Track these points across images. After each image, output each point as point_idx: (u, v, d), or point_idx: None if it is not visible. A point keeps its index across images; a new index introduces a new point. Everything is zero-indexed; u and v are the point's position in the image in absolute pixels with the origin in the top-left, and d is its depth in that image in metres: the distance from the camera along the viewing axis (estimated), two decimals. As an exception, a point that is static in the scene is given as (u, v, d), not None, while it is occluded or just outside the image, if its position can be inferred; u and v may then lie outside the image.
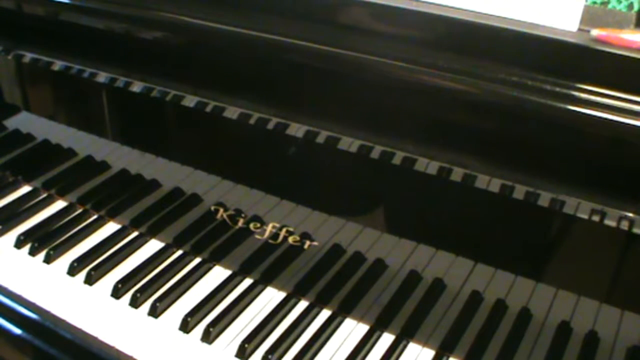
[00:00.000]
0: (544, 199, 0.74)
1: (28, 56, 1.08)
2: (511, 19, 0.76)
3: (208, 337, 0.89)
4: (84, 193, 1.13)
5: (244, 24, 0.83)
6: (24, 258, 1.02)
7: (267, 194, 0.96)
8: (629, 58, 0.66)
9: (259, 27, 0.82)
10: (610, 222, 0.71)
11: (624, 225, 0.70)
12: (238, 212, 1.00)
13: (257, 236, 0.99)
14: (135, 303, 0.94)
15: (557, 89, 0.68)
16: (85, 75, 1.02)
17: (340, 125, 0.84)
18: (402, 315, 0.90)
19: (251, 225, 0.99)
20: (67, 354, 0.91)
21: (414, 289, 0.90)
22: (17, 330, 0.94)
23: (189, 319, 0.90)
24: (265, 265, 0.98)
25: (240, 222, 1.00)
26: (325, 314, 0.94)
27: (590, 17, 0.76)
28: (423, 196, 0.85)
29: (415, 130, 0.80)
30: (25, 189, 1.17)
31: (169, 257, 1.03)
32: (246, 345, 0.87)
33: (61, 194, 1.15)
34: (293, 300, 0.95)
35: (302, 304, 0.95)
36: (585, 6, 0.74)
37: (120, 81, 0.99)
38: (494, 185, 0.76)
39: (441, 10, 0.77)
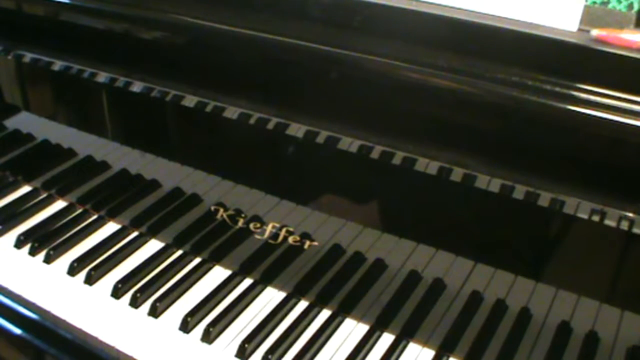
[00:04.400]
0: (544, 199, 0.74)
1: (28, 56, 1.08)
2: (511, 19, 0.76)
3: (208, 337, 0.89)
4: (84, 193, 1.13)
5: (244, 24, 0.83)
6: (24, 258, 1.02)
7: (267, 194, 0.96)
8: (629, 58, 0.66)
9: (259, 27, 0.82)
10: (610, 222, 0.71)
11: (624, 225, 0.70)
12: (238, 212, 1.00)
13: (257, 236, 0.99)
14: (135, 303, 0.94)
15: (557, 89, 0.68)
16: (85, 75, 1.02)
17: (340, 125, 0.84)
18: (402, 315, 0.90)
19: (251, 225, 0.99)
20: (67, 354, 0.91)
21: (414, 289, 0.90)
22: (17, 330, 0.94)
23: (189, 319, 0.90)
24: (265, 265, 0.98)
25: (240, 222, 1.00)
26: (325, 314, 0.94)
27: (590, 17, 0.76)
28: (423, 196, 0.85)
29: (415, 130, 0.80)
30: (25, 189, 1.17)
31: (169, 257, 1.03)
32: (246, 345, 0.87)
33: (61, 194, 1.15)
34: (293, 300, 0.95)
35: (302, 304, 0.95)
36: (585, 6, 0.74)
37: (120, 81, 0.99)
38: (494, 185, 0.76)
39: (441, 10, 0.77)
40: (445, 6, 0.79)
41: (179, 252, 1.04)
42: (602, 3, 0.81)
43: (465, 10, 0.78)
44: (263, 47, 0.84)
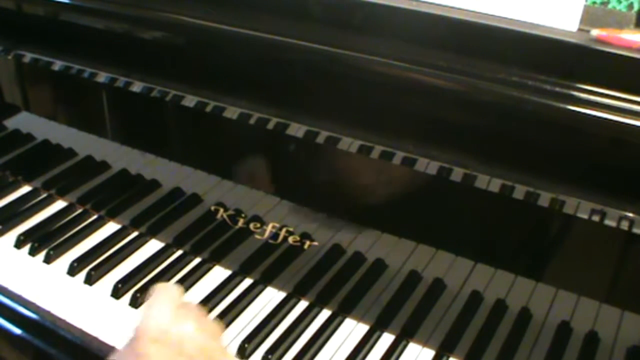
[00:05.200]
0: (544, 199, 0.74)
1: (28, 56, 1.08)
2: (511, 19, 0.76)
3: (208, 337, 0.88)
4: (84, 193, 1.13)
5: (244, 24, 0.83)
6: (24, 258, 1.02)
7: (267, 194, 0.96)
8: (629, 58, 0.66)
9: (259, 27, 0.82)
10: (610, 222, 0.71)
11: (624, 225, 0.70)
12: (238, 212, 1.00)
13: (257, 236, 0.99)
14: (135, 303, 0.94)
15: (557, 89, 0.68)
16: (85, 75, 1.02)
17: (340, 125, 0.84)
18: (402, 315, 0.90)
19: (251, 225, 0.99)
20: (67, 354, 0.91)
21: (414, 289, 0.90)
22: (17, 330, 0.94)
23: (189, 319, 0.90)
24: (265, 265, 0.98)
25: (240, 222, 1.00)
26: (325, 314, 0.94)
27: (590, 17, 0.76)
28: (423, 196, 0.85)
29: (415, 130, 0.80)
30: (25, 189, 1.17)
31: (169, 257, 1.03)
32: (246, 345, 0.87)
33: (61, 194, 1.15)
34: (293, 300, 0.95)
35: (302, 304, 0.95)
36: (585, 6, 0.74)
37: (120, 81, 0.99)
38: (494, 185, 0.76)
39: (441, 10, 0.77)
40: (445, 6, 0.79)
41: (179, 252, 1.04)
42: (602, 3, 0.81)
43: (465, 10, 0.78)
44: (263, 47, 0.84)
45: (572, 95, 0.67)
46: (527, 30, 0.71)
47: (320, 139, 0.85)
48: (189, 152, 1.05)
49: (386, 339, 0.90)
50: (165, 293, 0.70)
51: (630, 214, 0.70)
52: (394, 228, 0.88)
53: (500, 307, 0.86)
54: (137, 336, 0.65)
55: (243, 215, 1.00)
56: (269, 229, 0.97)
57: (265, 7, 0.84)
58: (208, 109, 0.93)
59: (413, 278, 0.90)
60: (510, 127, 0.73)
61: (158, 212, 1.06)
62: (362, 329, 0.92)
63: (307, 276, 0.96)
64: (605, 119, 0.65)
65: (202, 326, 0.70)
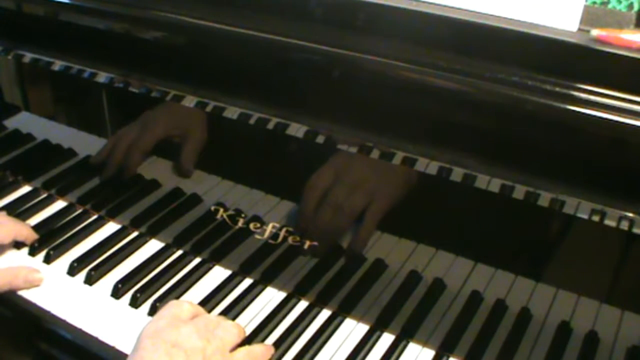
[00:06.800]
0: (544, 199, 0.74)
1: (28, 56, 1.08)
2: (511, 19, 0.76)
3: (208, 337, 0.88)
4: (84, 193, 1.13)
5: (244, 24, 0.83)
6: (23, 258, 1.02)
7: (267, 194, 0.96)
8: (629, 58, 0.66)
9: (259, 27, 0.82)
10: (610, 222, 0.71)
11: (624, 225, 0.70)
12: (238, 212, 1.00)
13: (257, 236, 0.98)
14: (135, 303, 0.94)
15: (557, 89, 0.68)
16: (85, 75, 1.02)
17: (340, 125, 0.84)
18: (402, 315, 0.90)
19: (251, 225, 0.99)
20: (67, 354, 0.91)
21: (414, 289, 0.90)
22: (17, 331, 0.94)
23: (189, 319, 0.90)
24: (265, 265, 0.98)
25: (240, 222, 1.00)
26: (325, 314, 0.94)
27: (590, 17, 0.76)
28: (423, 196, 0.85)
29: (415, 130, 0.80)
30: (25, 189, 1.17)
31: (169, 257, 1.03)
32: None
33: (61, 194, 1.15)
34: (293, 300, 0.95)
35: (302, 304, 0.95)
36: (585, 6, 0.74)
37: (120, 81, 0.99)
38: (494, 185, 0.76)
39: (441, 10, 0.77)
40: (445, 6, 0.79)
41: (179, 252, 1.04)
42: (602, 3, 0.81)
43: (465, 10, 0.78)
44: (263, 47, 0.84)
45: (572, 95, 0.67)
46: (527, 30, 0.71)
47: (320, 139, 0.85)
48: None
49: (386, 339, 0.90)
50: (172, 308, 0.82)
51: (630, 214, 0.70)
52: (393, 228, 0.88)
53: (500, 307, 0.86)
54: (138, 339, 0.78)
55: (243, 215, 1.00)
56: (269, 229, 0.97)
57: (266, 7, 0.84)
58: (208, 109, 0.93)
59: (413, 278, 0.90)
60: (510, 127, 0.73)
61: (158, 212, 1.06)
62: (362, 329, 0.92)
63: (307, 276, 0.96)
64: (605, 119, 0.65)
65: (199, 330, 0.77)
